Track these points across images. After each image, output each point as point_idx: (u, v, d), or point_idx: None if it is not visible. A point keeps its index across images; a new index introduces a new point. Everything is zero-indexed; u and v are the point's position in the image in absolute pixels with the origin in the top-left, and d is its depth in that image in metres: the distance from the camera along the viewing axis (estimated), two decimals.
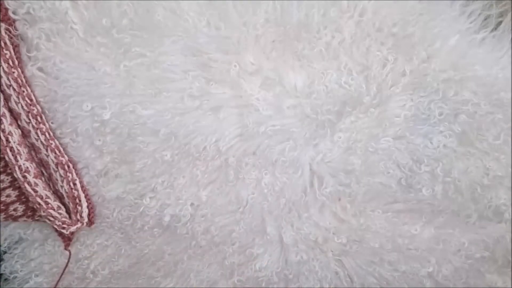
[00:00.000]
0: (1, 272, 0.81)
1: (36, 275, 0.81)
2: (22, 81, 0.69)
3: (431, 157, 0.73)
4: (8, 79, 0.68)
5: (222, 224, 0.77)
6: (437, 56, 0.71)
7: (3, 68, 0.67)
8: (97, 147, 0.74)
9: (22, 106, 0.69)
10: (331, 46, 0.72)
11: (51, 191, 0.73)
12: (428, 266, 0.77)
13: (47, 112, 0.72)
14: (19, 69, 0.69)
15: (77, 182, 0.73)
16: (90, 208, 0.75)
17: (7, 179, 0.71)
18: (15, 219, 0.74)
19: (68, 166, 0.72)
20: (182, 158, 0.74)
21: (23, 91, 0.69)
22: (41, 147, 0.71)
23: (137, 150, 0.73)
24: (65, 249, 0.78)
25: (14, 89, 0.68)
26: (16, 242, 0.80)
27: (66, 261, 0.79)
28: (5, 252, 0.80)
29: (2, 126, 0.67)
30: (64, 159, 0.72)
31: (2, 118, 0.68)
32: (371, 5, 0.70)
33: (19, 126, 0.70)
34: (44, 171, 0.73)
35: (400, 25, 0.70)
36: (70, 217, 0.73)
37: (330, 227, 0.78)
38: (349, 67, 0.71)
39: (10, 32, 0.69)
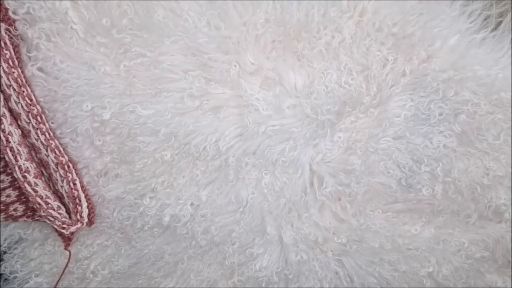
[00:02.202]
0: (1, 272, 0.81)
1: (36, 275, 0.81)
2: (22, 81, 0.69)
3: (431, 157, 0.73)
4: (8, 79, 0.68)
5: (222, 224, 0.77)
6: (437, 56, 0.71)
7: (3, 68, 0.67)
8: (97, 147, 0.74)
9: (22, 106, 0.69)
10: (331, 46, 0.72)
11: (51, 191, 0.73)
12: (428, 266, 0.77)
13: (47, 112, 0.72)
14: (19, 69, 0.69)
15: (77, 182, 0.73)
16: (90, 208, 0.75)
17: (7, 179, 0.71)
18: (15, 219, 0.74)
19: (68, 166, 0.72)
20: (182, 158, 0.74)
21: (23, 91, 0.69)
22: (41, 147, 0.71)
23: (137, 150, 0.73)
24: (65, 249, 0.78)
25: (14, 89, 0.68)
26: (16, 242, 0.80)
27: (66, 261, 0.79)
28: (5, 252, 0.80)
29: (2, 126, 0.67)
30: (64, 159, 0.72)
31: (2, 118, 0.68)
32: (371, 5, 0.70)
33: (19, 126, 0.70)
34: (44, 171, 0.73)
35: (400, 25, 0.70)
36: (70, 217, 0.73)
37: (330, 227, 0.78)
38: (349, 67, 0.71)
39: (10, 32, 0.69)
